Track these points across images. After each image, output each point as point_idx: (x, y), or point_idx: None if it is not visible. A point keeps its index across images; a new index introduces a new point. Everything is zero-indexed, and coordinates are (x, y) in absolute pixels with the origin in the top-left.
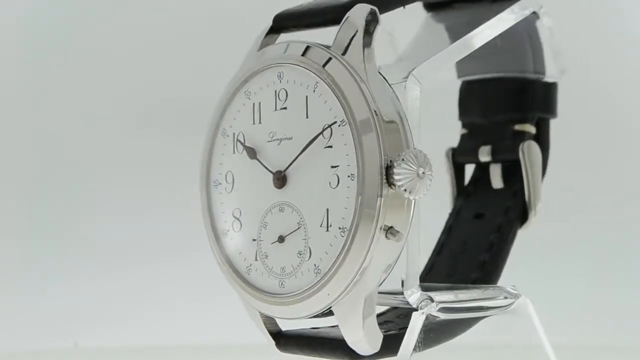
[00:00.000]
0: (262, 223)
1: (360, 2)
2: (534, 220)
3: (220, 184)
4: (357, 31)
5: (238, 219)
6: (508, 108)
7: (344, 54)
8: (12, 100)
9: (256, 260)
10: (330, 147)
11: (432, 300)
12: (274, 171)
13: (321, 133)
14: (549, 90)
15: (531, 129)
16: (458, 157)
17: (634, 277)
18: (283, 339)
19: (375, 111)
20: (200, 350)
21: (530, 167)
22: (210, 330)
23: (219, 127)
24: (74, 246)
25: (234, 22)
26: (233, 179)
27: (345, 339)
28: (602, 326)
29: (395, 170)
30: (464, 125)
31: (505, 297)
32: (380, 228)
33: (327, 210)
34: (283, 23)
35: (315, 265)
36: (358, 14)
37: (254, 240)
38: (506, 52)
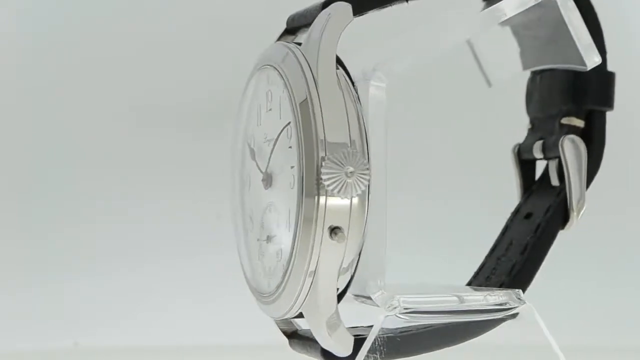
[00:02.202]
0: (261, 223)
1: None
2: (576, 221)
3: (246, 185)
4: (315, 28)
5: (252, 218)
6: (558, 101)
7: (303, 52)
8: (12, 101)
9: (258, 259)
10: (290, 147)
11: (398, 303)
12: (262, 172)
13: (281, 132)
14: (599, 80)
15: (578, 122)
16: (523, 154)
17: (634, 278)
18: (294, 338)
19: (315, 110)
20: (200, 350)
21: (570, 163)
22: (210, 330)
23: (243, 130)
24: (74, 246)
25: (242, 24)
26: (250, 180)
27: (318, 341)
28: (601, 327)
29: (322, 170)
30: (530, 120)
31: (502, 305)
32: (324, 228)
33: (289, 210)
34: (292, 24)
35: (283, 265)
36: (325, 11)
37: (257, 240)
38: (553, 44)
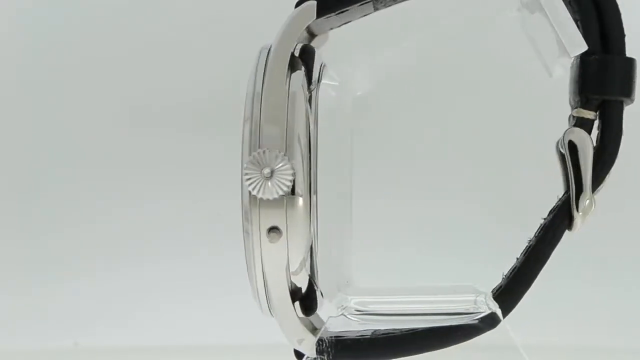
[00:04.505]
0: None
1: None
2: (580, 221)
3: None
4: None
5: None
6: (573, 91)
7: (267, 52)
8: (12, 100)
9: None
10: None
11: (347, 304)
12: None
13: (243, 135)
14: (608, 68)
15: (587, 114)
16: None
17: (634, 278)
18: None
19: (254, 110)
20: (200, 350)
21: (570, 158)
22: (210, 330)
23: None
24: (74, 246)
25: (242, 24)
26: None
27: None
28: (601, 327)
29: (243, 172)
30: None
31: (466, 310)
32: (260, 229)
33: None
34: None
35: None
36: (292, 12)
37: None
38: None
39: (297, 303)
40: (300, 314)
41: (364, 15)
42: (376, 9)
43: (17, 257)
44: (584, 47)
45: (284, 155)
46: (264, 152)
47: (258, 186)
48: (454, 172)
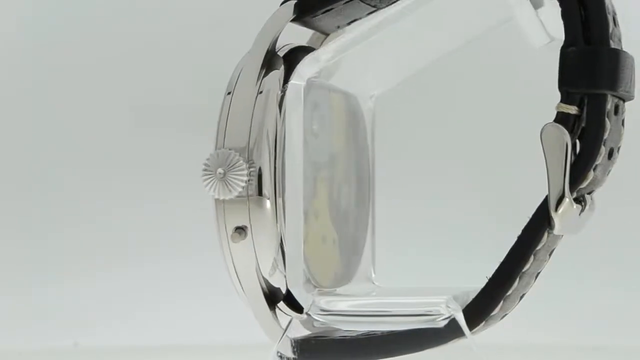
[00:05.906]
0: None
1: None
2: (558, 221)
3: None
4: None
5: None
6: (558, 84)
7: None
8: (12, 101)
9: None
10: None
11: (312, 303)
12: None
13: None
14: (588, 59)
15: (566, 108)
16: None
17: (634, 278)
18: None
19: (223, 112)
20: (200, 350)
21: (546, 154)
22: (210, 330)
23: None
24: (74, 246)
25: (242, 24)
26: None
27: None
28: (601, 327)
29: (202, 172)
30: None
31: (428, 311)
32: (227, 228)
33: None
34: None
35: None
36: None
37: None
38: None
39: (281, 303)
40: (294, 313)
41: (370, 13)
42: (376, 8)
43: (17, 257)
44: (545, 39)
45: (240, 155)
46: (220, 152)
47: (213, 186)
48: (454, 172)
